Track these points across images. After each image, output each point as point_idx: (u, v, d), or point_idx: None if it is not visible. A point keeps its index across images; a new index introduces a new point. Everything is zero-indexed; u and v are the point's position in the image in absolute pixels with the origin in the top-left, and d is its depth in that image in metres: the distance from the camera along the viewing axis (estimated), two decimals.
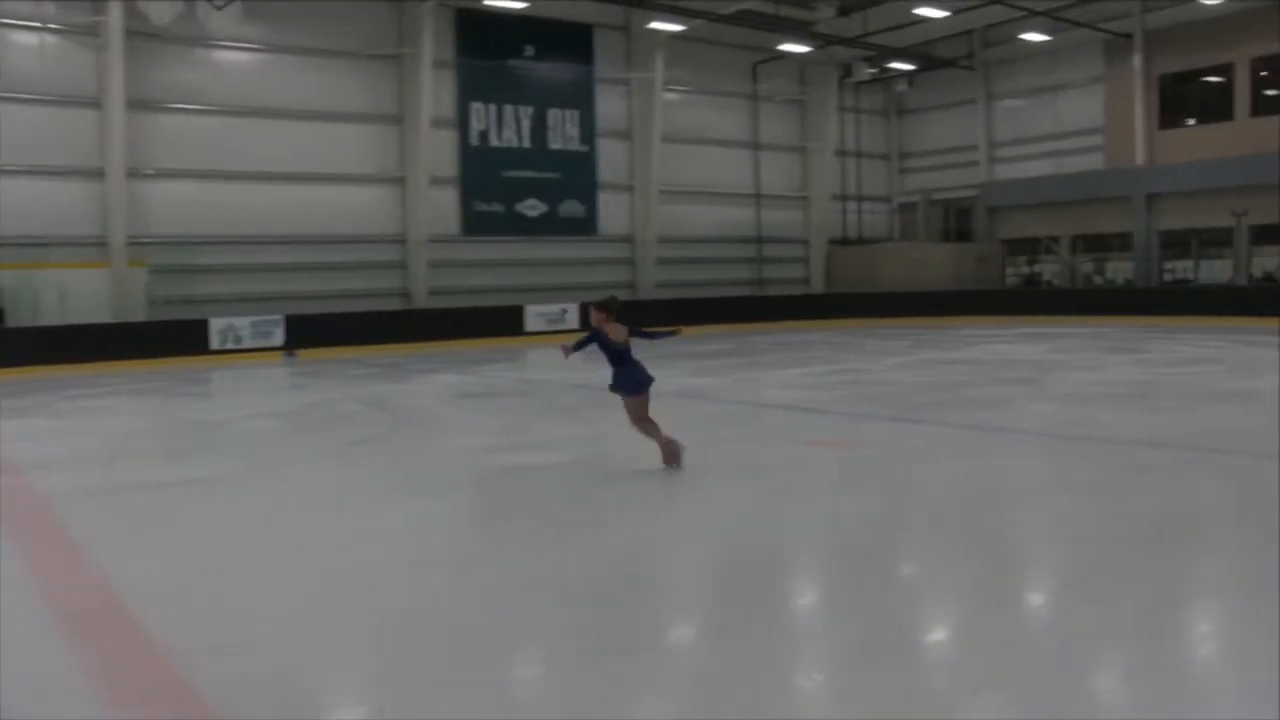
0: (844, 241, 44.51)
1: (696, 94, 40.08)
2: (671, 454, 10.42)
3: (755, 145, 41.76)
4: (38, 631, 6.38)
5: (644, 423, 10.44)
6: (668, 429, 10.67)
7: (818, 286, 43.46)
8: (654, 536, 8.68)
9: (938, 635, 6.27)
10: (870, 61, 41.94)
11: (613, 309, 10.30)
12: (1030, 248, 42.22)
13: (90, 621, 6.69)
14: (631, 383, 10.30)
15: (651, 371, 10.62)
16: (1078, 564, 7.49)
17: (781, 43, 38.40)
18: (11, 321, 27.05)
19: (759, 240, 41.92)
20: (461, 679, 5.53)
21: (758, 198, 41.76)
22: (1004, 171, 42.91)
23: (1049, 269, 41.85)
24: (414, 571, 7.61)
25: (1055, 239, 41.20)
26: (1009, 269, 42.94)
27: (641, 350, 10.79)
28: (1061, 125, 41.03)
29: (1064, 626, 6.27)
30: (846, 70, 42.79)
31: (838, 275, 43.55)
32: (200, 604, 6.90)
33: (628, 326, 10.35)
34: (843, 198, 44.68)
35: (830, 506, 9.53)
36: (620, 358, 10.30)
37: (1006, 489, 10.39)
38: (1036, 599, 6.97)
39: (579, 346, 10.53)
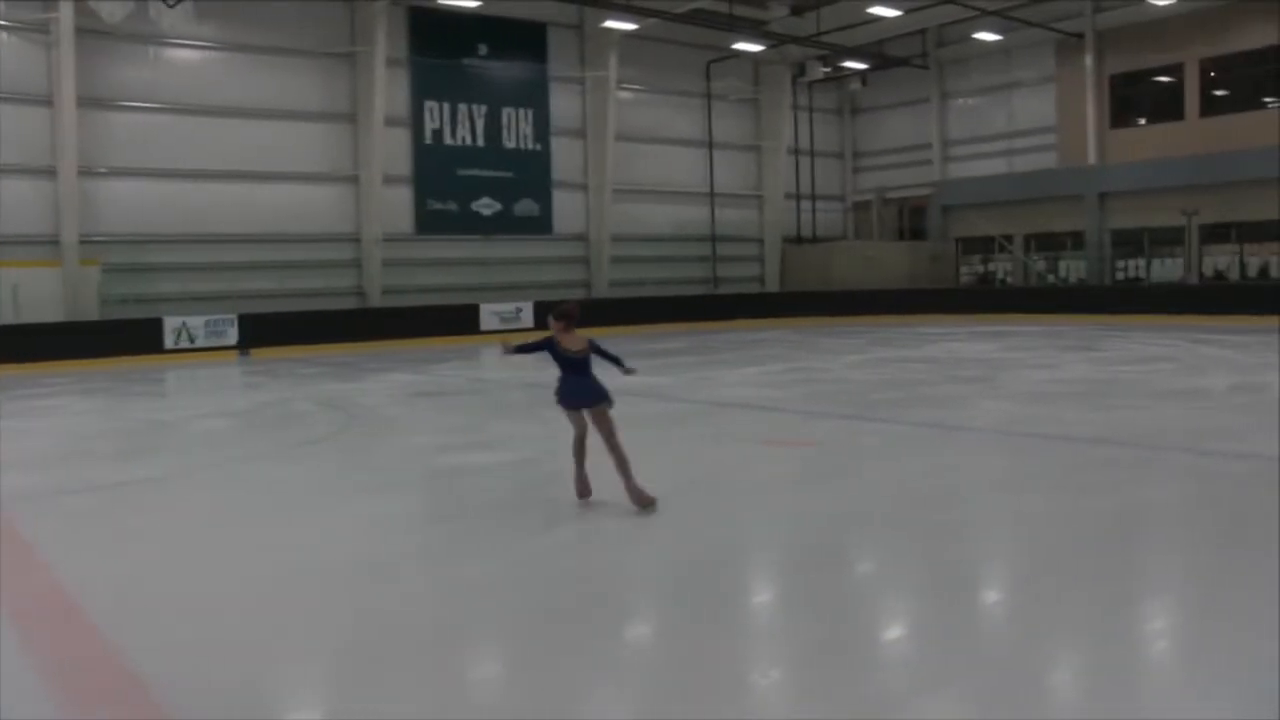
0: (798, 240, 44.64)
1: (650, 93, 40.10)
2: (582, 489, 9.46)
3: (709, 144, 41.75)
4: None
5: (611, 443, 9.16)
6: (620, 432, 9.42)
7: (772, 285, 43.57)
8: (608, 535, 8.65)
9: (896, 633, 6.30)
10: (824, 60, 42.07)
11: (572, 319, 9.30)
12: (984, 246, 42.48)
13: (42, 622, 6.61)
14: (577, 390, 9.21)
15: (607, 372, 9.44)
16: (1035, 562, 7.54)
17: (735, 41, 38.42)
18: None
19: (713, 239, 41.95)
20: (415, 678, 5.51)
21: (712, 196, 41.78)
22: (957, 170, 43.17)
23: (1002, 267, 42.13)
24: (367, 571, 7.57)
25: (1009, 237, 41.47)
26: (963, 267, 43.23)
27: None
28: (1014, 124, 41.33)
29: (1023, 624, 6.32)
30: (800, 69, 42.91)
31: (792, 274, 43.66)
32: (153, 604, 6.85)
33: (589, 339, 9.32)
34: (797, 196, 44.78)
35: (787, 505, 9.53)
36: (573, 365, 9.17)
37: (963, 487, 10.44)
38: (995, 597, 7.01)
39: (523, 349, 9.41)
